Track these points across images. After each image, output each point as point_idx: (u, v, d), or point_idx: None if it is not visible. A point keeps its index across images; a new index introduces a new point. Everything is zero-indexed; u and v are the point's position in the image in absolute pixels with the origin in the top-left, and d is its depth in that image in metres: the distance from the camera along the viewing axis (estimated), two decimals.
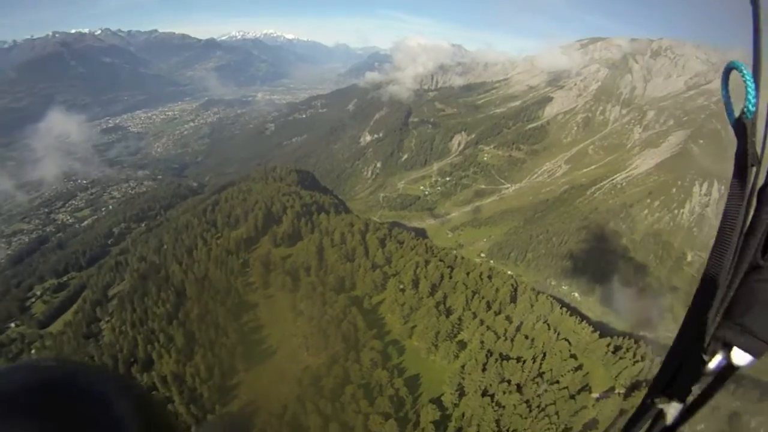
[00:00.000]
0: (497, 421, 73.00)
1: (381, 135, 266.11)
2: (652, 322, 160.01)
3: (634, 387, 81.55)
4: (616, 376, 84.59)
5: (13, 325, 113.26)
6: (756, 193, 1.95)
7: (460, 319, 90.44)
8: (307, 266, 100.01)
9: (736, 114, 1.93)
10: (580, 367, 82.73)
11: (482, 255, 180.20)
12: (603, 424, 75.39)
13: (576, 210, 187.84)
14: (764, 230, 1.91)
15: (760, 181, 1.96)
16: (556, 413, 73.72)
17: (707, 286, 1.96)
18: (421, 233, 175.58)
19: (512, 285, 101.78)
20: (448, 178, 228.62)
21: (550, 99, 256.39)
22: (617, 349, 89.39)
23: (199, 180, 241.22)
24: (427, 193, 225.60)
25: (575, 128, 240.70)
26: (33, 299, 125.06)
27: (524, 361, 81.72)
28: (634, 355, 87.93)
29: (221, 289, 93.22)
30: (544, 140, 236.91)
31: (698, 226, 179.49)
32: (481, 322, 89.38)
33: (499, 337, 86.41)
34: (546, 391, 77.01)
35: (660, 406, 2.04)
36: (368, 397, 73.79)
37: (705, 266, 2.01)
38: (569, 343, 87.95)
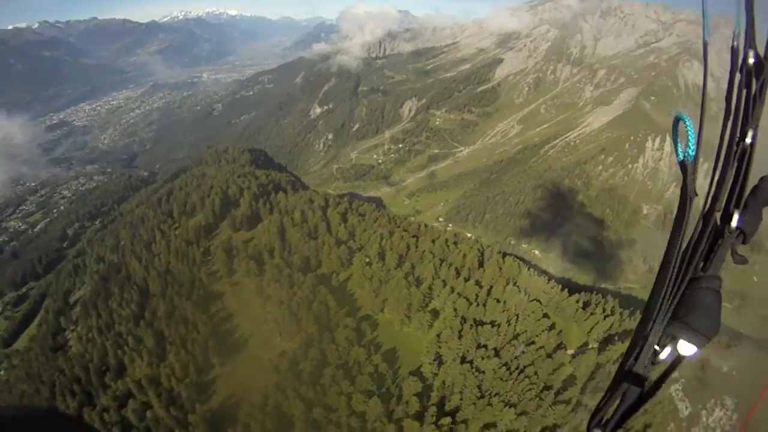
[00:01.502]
0: (479, 387, 73.37)
1: (331, 106, 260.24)
2: (612, 275, 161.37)
3: (607, 341, 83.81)
4: (589, 332, 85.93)
5: None
6: (701, 218, 2.39)
7: (430, 288, 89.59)
8: (270, 248, 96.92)
9: (681, 156, 2.41)
10: (553, 326, 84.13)
11: (440, 219, 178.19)
12: (580, 379, 77.21)
13: (531, 169, 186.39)
14: (704, 248, 2.36)
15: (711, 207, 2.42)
16: (535, 373, 74.97)
17: (658, 292, 2.42)
18: (377, 202, 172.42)
19: (479, 250, 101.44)
20: (401, 145, 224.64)
21: (500, 61, 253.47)
22: (586, 305, 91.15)
23: (150, 169, 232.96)
24: (380, 161, 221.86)
25: (526, 89, 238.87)
26: None
27: (498, 325, 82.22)
28: (603, 309, 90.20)
29: (185, 282, 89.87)
30: (496, 102, 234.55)
31: (652, 180, 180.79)
32: (452, 290, 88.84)
33: (471, 303, 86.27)
34: (523, 352, 78.43)
35: (623, 389, 2.41)
36: (348, 377, 72.80)
37: (656, 277, 2.44)
38: (540, 303, 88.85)
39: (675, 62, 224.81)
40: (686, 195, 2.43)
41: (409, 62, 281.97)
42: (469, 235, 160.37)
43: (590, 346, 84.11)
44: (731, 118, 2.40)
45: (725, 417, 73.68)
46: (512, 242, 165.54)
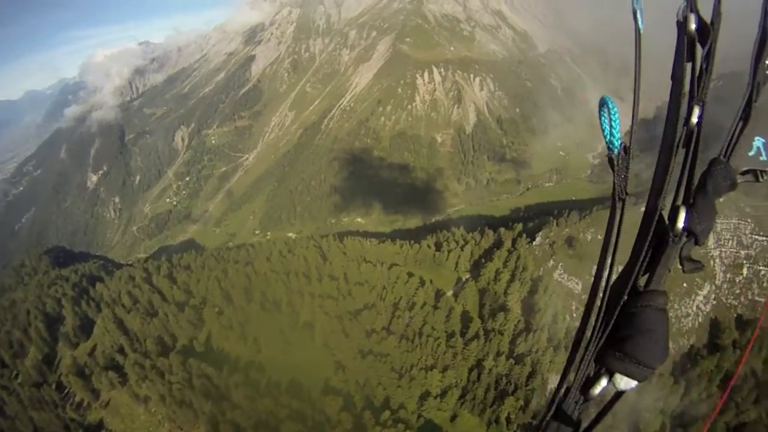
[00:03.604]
0: (392, 369, 72.67)
1: (105, 169, 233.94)
2: (437, 206, 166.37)
3: (476, 266, 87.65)
4: (456, 267, 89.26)
5: None
6: (643, 220, 2.01)
7: (290, 303, 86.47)
8: (118, 347, 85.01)
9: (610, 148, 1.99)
10: (422, 281, 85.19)
11: (257, 232, 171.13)
12: (473, 310, 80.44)
13: (319, 147, 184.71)
14: (644, 257, 1.96)
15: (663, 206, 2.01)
16: (433, 328, 76.11)
17: (589, 315, 2.04)
18: (192, 245, 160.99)
19: (314, 245, 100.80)
20: (187, 179, 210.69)
21: (253, 58, 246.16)
22: (438, 246, 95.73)
23: None
24: (175, 203, 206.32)
25: (286, 75, 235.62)
26: None
27: (374, 305, 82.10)
28: (455, 241, 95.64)
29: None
30: (262, 98, 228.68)
31: (434, 110, 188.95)
32: (312, 296, 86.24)
33: (337, 299, 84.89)
34: (411, 318, 78.86)
35: (553, 428, 2.10)
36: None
37: (588, 296, 2.06)
38: (399, 265, 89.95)
39: (419, 1, 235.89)
40: (615, 197, 1.99)
41: (165, 92, 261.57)
42: (290, 234, 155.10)
43: (464, 279, 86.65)
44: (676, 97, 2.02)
45: None
46: (332, 221, 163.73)
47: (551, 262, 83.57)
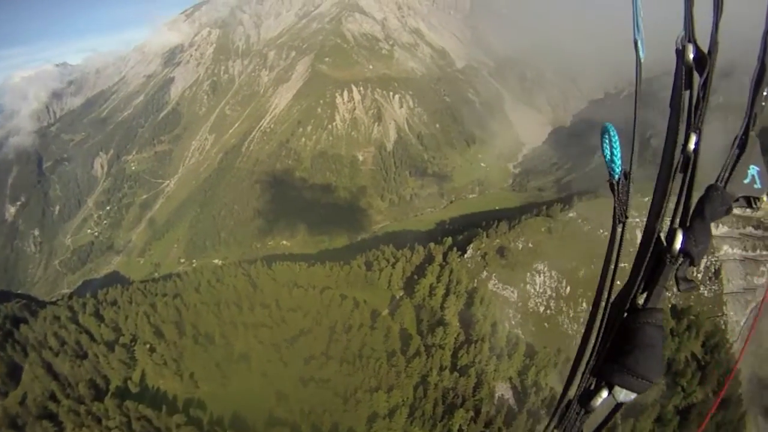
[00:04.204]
0: (336, 394, 71.20)
1: (23, 199, 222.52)
2: (362, 225, 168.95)
3: (409, 283, 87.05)
4: (388, 285, 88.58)
5: None
6: (642, 242, 2.08)
7: (223, 335, 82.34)
8: (50, 394, 78.22)
9: (610, 174, 2.09)
10: (356, 302, 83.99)
11: (182, 261, 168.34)
12: (411, 327, 79.89)
13: (240, 171, 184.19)
14: (642, 277, 2.06)
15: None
16: (372, 349, 74.92)
17: (590, 330, 2.17)
18: (116, 278, 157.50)
19: (243, 272, 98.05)
20: (108, 208, 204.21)
21: (172, 80, 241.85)
22: (368, 265, 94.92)
23: None
24: (97, 234, 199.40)
25: (206, 97, 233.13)
26: None
27: (309, 331, 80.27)
28: (386, 259, 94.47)
29: None
30: (181, 122, 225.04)
31: (355, 129, 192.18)
32: (245, 325, 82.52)
33: (271, 327, 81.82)
34: (349, 340, 77.69)
35: None
36: None
37: (588, 314, 2.19)
38: (330, 288, 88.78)
39: (338, 20, 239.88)
40: (615, 219, 2.10)
41: (83, 116, 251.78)
42: (216, 261, 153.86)
43: (398, 297, 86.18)
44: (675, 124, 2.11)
45: None
46: (258, 246, 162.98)
47: (484, 273, 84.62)
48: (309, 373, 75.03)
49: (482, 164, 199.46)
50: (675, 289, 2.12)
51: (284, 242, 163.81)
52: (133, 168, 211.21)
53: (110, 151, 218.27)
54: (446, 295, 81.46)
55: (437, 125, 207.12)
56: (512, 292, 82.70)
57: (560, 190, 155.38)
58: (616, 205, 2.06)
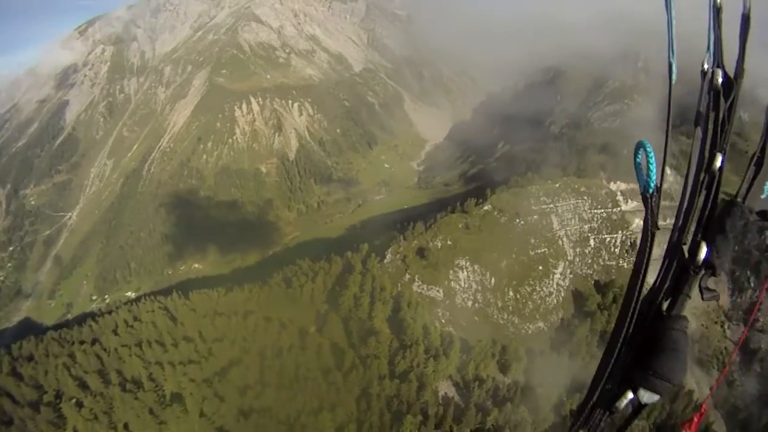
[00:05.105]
0: (280, 422, 69.23)
1: None
2: (272, 239, 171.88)
3: (333, 296, 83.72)
4: (311, 301, 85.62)
5: None
6: (666, 253, 2.26)
7: (151, 378, 77.49)
8: None
9: (643, 188, 2.23)
10: (282, 323, 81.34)
11: (94, 298, 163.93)
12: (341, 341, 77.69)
13: (143, 195, 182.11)
14: (668, 286, 2.21)
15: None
16: (307, 369, 73.47)
17: (618, 333, 2.28)
18: (30, 325, 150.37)
19: (160, 307, 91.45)
20: (10, 248, 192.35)
21: (66, 103, 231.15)
22: (287, 282, 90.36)
23: None
24: (2, 278, 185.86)
25: (102, 119, 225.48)
26: None
27: (239, 360, 76.84)
28: (306, 274, 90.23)
29: None
30: (79, 148, 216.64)
31: (256, 141, 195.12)
32: (172, 364, 77.81)
33: (199, 362, 77.68)
34: (282, 365, 75.31)
35: None
36: None
37: (616, 319, 2.30)
38: (253, 312, 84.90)
39: (234, 31, 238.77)
40: (648, 229, 2.26)
41: None
42: (129, 293, 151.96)
43: (323, 312, 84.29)
44: (700, 143, 2.27)
45: None
46: (170, 272, 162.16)
47: (407, 276, 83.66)
48: (247, 404, 72.11)
49: (386, 165, 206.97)
50: (700, 299, 2.31)
51: (196, 265, 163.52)
52: (33, 202, 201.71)
53: (7, 185, 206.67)
54: (372, 303, 79.84)
55: (338, 130, 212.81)
56: (438, 291, 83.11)
57: (466, 183, 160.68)
58: (648, 216, 2.24)
